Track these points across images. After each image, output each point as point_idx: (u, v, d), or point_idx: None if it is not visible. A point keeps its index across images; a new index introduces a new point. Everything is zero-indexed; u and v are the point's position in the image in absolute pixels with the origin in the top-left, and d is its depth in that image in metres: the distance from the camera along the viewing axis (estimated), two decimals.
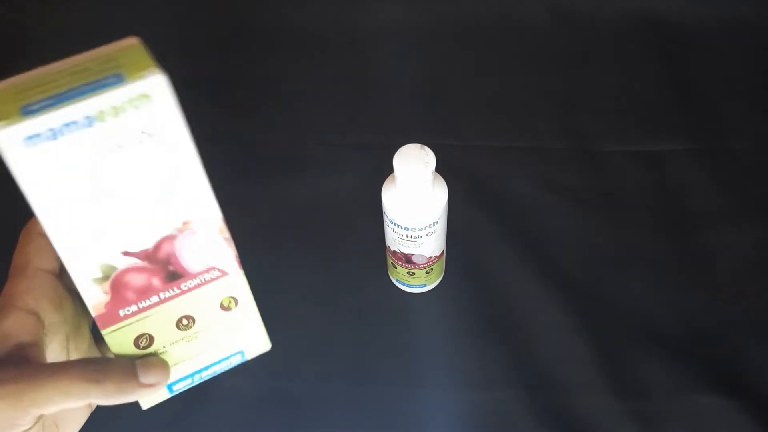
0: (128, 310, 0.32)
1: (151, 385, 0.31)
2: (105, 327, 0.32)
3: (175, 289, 0.32)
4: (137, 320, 0.32)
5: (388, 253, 0.54)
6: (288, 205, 0.61)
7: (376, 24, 0.71)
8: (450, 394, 0.53)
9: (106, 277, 0.31)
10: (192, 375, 0.36)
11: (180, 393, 0.36)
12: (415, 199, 0.46)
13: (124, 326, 0.32)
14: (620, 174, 0.62)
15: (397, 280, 0.56)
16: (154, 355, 0.33)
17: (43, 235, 0.32)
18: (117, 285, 0.31)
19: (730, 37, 0.69)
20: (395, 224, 0.48)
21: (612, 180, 0.62)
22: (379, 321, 0.56)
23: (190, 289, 0.33)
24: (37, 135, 0.25)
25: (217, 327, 0.35)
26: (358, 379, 0.53)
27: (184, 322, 0.34)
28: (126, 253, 0.30)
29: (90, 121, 0.26)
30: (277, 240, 0.60)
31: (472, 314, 0.56)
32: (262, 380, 0.54)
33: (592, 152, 0.64)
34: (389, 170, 0.46)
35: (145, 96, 0.26)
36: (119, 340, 0.32)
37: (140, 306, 0.32)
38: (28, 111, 0.25)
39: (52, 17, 0.73)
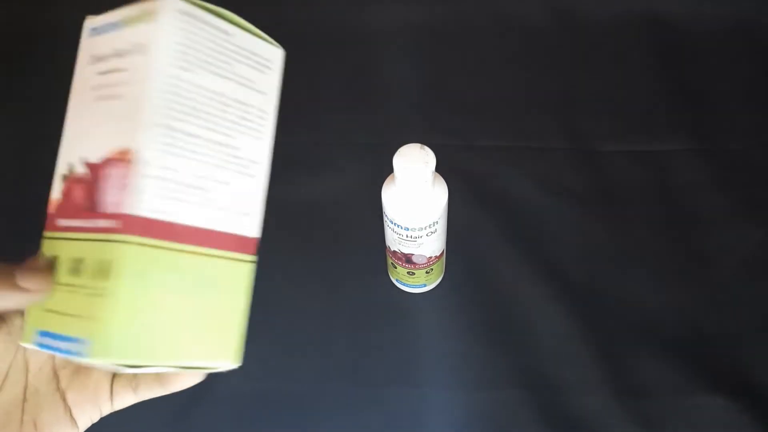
0: (60, 223, 0.30)
1: (29, 291, 0.29)
2: (46, 230, 0.31)
3: (88, 222, 0.29)
4: (60, 238, 0.30)
5: (388, 253, 0.54)
6: (288, 204, 0.61)
7: (377, 24, 0.71)
8: (450, 394, 0.53)
9: (65, 178, 0.31)
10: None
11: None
12: (415, 199, 0.46)
13: (54, 238, 0.31)
14: (620, 174, 0.62)
15: (397, 280, 0.56)
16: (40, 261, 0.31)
17: None
18: (66, 191, 0.30)
19: (729, 37, 0.69)
20: (395, 224, 0.48)
21: (612, 180, 0.62)
22: (379, 321, 0.56)
23: (94, 230, 0.28)
24: (94, 28, 0.31)
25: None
26: (358, 379, 0.53)
27: (79, 267, 0.29)
28: (86, 163, 0.30)
29: (120, 24, 0.30)
30: (277, 240, 0.59)
31: (472, 314, 0.56)
32: (262, 380, 0.54)
33: (592, 152, 0.64)
34: (389, 170, 0.46)
35: (149, 13, 0.29)
36: (49, 253, 0.31)
37: (66, 223, 0.30)
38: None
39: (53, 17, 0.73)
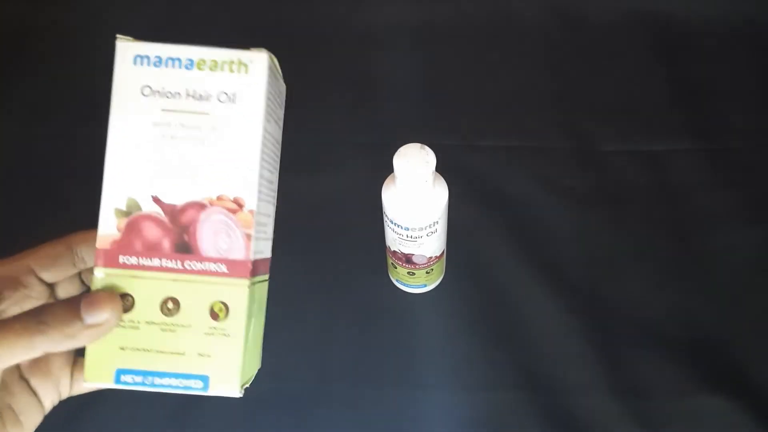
0: (128, 260, 0.31)
1: (97, 325, 0.30)
2: (101, 265, 0.31)
3: (178, 262, 0.31)
4: (130, 275, 0.31)
5: (388, 253, 0.54)
6: (288, 204, 0.61)
7: (377, 24, 0.71)
8: (450, 394, 0.53)
9: (126, 214, 0.31)
10: (146, 374, 0.32)
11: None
12: (415, 199, 0.46)
13: (116, 275, 0.31)
14: (620, 174, 0.62)
15: (397, 281, 0.56)
16: (104, 290, 0.31)
17: (65, 247, 0.34)
18: (131, 227, 0.31)
19: (730, 37, 0.69)
20: (395, 224, 0.48)
21: (612, 180, 0.62)
22: (379, 321, 0.56)
23: (191, 272, 0.31)
24: (146, 56, 0.29)
25: (196, 331, 0.31)
26: (358, 379, 0.53)
27: (169, 305, 0.31)
28: (155, 200, 0.30)
29: (191, 63, 0.29)
30: (277, 239, 0.59)
31: (473, 314, 0.56)
32: (262, 380, 0.53)
33: (592, 152, 0.64)
34: (389, 170, 0.46)
35: (244, 65, 0.30)
36: (113, 289, 0.31)
37: (140, 262, 0.31)
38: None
39: (52, 15, 0.73)
